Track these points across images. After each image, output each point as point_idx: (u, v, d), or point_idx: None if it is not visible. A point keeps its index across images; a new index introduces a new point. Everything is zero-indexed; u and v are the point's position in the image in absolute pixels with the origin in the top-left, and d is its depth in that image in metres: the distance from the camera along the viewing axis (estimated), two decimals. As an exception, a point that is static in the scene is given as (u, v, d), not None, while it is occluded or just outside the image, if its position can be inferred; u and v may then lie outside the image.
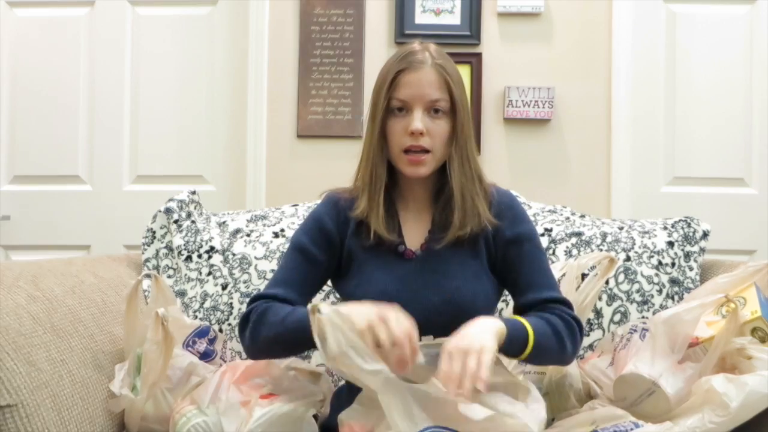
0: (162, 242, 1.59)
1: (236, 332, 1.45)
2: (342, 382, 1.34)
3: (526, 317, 1.05)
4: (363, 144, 1.17)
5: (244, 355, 1.44)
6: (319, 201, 1.25)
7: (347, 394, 1.12)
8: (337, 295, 1.43)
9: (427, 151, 1.10)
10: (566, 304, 1.12)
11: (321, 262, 1.16)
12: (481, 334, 0.93)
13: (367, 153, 1.15)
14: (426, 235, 1.16)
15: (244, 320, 1.11)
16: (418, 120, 1.08)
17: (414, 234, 1.17)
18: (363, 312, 0.92)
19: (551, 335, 1.05)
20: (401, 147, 1.10)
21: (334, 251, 1.17)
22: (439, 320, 1.08)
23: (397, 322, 0.91)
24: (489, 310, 1.16)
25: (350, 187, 1.19)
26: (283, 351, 1.12)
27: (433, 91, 1.09)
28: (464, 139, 1.13)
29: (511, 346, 0.99)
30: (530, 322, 1.03)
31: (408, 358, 0.90)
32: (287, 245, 1.50)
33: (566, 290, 1.30)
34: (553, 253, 1.49)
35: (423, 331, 1.09)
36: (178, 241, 1.55)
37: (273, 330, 1.05)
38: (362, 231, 1.15)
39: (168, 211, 1.59)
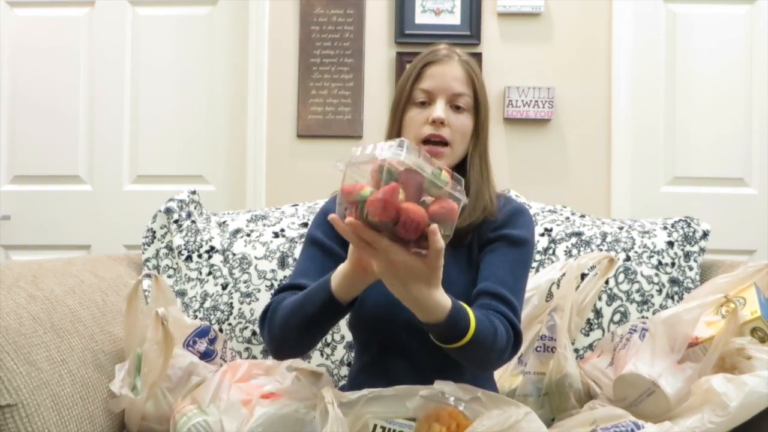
0: (162, 242, 1.59)
1: (236, 332, 1.45)
2: (343, 383, 1.35)
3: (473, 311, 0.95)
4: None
5: (244, 355, 1.44)
6: (321, 201, 1.25)
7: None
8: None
9: (446, 143, 1.09)
10: (515, 312, 1.03)
11: (335, 251, 1.13)
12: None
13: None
14: None
15: (263, 315, 1.07)
16: (441, 109, 1.09)
17: None
18: None
19: (489, 340, 0.94)
20: (420, 137, 1.09)
21: (346, 243, 1.15)
22: None
23: None
24: None
25: None
26: (299, 331, 1.01)
27: (457, 84, 1.10)
28: (484, 139, 1.14)
29: (449, 327, 0.89)
30: (477, 317, 0.93)
31: None
32: (288, 245, 1.52)
33: (566, 290, 1.30)
34: (553, 253, 1.49)
35: (420, 336, 1.09)
36: (178, 241, 1.55)
37: (288, 309, 1.01)
38: None
39: (168, 211, 1.59)
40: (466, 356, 0.96)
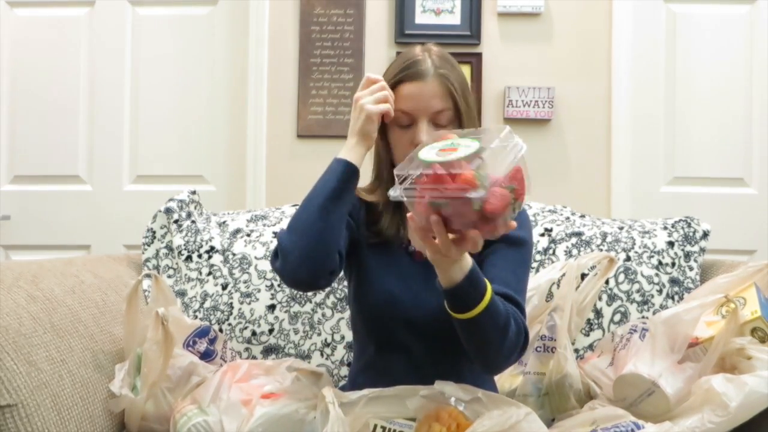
0: (162, 242, 1.59)
1: (236, 332, 1.45)
2: (343, 383, 1.35)
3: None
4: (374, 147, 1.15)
5: (244, 355, 1.44)
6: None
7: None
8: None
9: None
10: (522, 311, 1.04)
11: (348, 223, 1.11)
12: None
13: (377, 161, 1.16)
14: None
15: (275, 250, 1.05)
16: (424, 132, 1.06)
17: None
18: None
19: (502, 320, 0.96)
20: None
21: (352, 227, 1.14)
22: (438, 323, 1.08)
23: None
24: None
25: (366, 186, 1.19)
26: (318, 213, 1.02)
27: (436, 102, 1.07)
28: None
29: (470, 287, 0.92)
30: (492, 292, 0.96)
31: None
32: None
33: (566, 290, 1.30)
34: (553, 253, 1.49)
35: (424, 331, 1.09)
36: (178, 241, 1.55)
37: (300, 208, 1.03)
38: (370, 222, 1.15)
39: (168, 211, 1.59)
40: (477, 335, 0.96)
